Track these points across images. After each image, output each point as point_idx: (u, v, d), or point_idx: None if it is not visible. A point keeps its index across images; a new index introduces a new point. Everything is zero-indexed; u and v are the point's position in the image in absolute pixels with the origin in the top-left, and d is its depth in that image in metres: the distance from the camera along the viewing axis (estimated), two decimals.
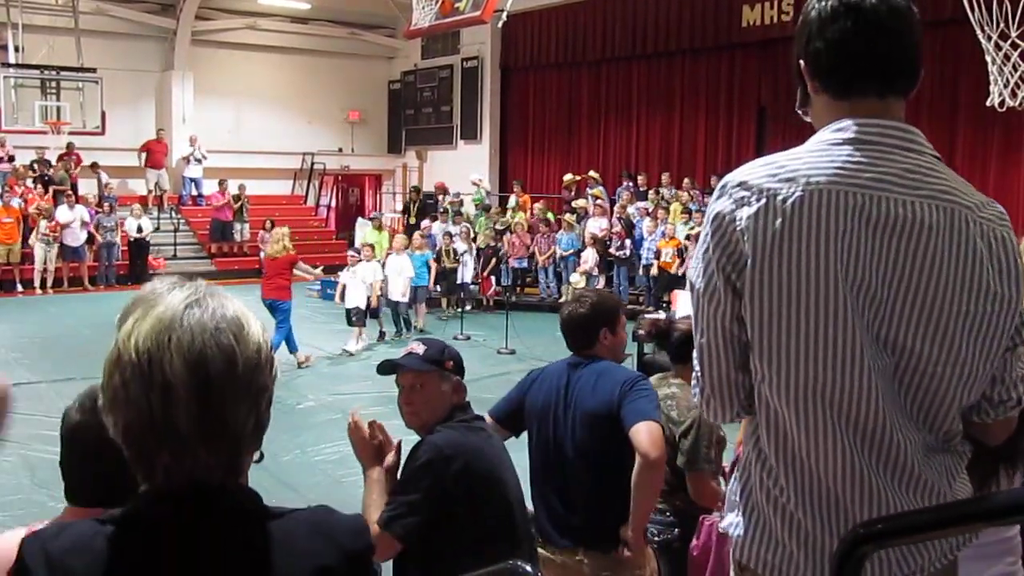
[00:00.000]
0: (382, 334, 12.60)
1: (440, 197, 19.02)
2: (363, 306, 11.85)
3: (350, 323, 11.97)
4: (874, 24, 1.59)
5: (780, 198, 1.55)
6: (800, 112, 1.77)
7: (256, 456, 1.22)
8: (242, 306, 1.19)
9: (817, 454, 1.58)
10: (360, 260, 12.16)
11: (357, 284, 11.87)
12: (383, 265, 12.69)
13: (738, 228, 1.58)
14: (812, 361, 1.55)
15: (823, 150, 1.60)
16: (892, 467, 1.58)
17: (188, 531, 1.13)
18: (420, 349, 2.87)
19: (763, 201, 1.56)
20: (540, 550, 3.26)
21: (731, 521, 1.75)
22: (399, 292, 12.62)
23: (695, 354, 1.72)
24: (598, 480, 3.18)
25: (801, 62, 1.69)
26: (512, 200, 18.51)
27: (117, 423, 1.13)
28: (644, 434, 2.99)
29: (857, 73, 1.62)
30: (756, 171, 1.61)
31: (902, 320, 1.54)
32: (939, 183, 1.57)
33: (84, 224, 17.20)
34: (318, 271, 12.47)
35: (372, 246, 12.99)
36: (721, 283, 1.61)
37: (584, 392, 3.21)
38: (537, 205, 17.89)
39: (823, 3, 1.64)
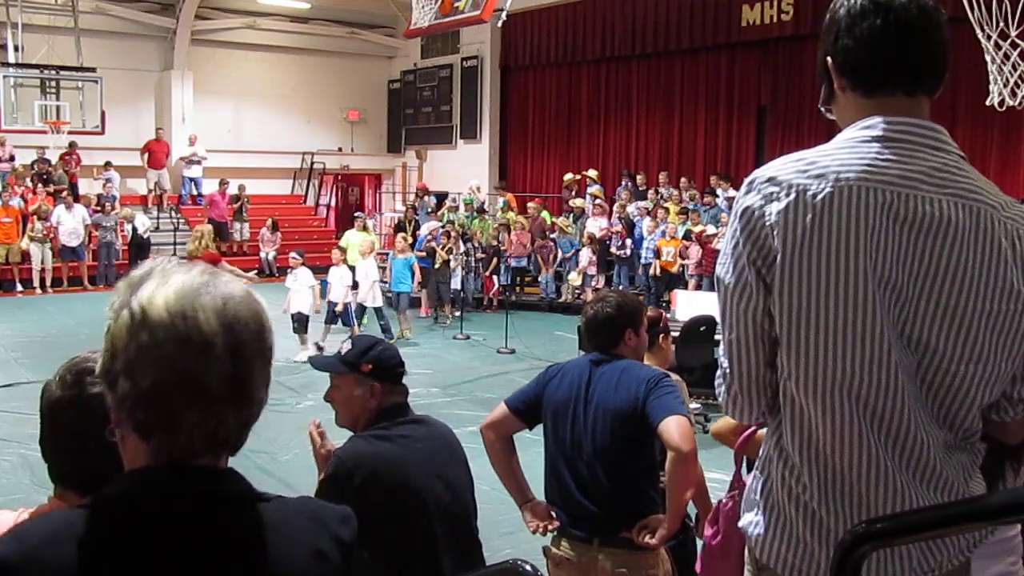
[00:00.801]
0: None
1: (426, 198, 18.93)
2: (306, 311, 11.38)
3: (294, 330, 11.51)
4: (904, 23, 1.60)
5: (810, 193, 1.56)
6: (823, 109, 1.76)
7: None
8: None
9: (842, 450, 1.59)
10: (302, 264, 11.54)
11: (299, 289, 11.40)
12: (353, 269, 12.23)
13: (767, 223, 1.58)
14: (840, 357, 1.55)
15: (852, 147, 1.60)
16: (915, 464, 1.59)
17: (180, 514, 1.11)
18: (344, 348, 2.87)
19: (792, 196, 1.56)
20: (554, 549, 3.23)
21: (750, 520, 1.75)
22: (365, 296, 12.20)
23: (722, 351, 1.71)
24: (617, 477, 3.15)
25: (828, 59, 1.69)
26: (500, 201, 18.37)
27: (139, 383, 1.09)
28: (674, 428, 2.97)
29: (886, 71, 1.62)
30: (785, 167, 1.61)
31: (926, 317, 1.55)
32: (965, 182, 1.59)
33: (85, 224, 17.18)
34: (251, 275, 11.37)
35: (344, 250, 12.57)
36: (752, 278, 1.61)
37: (607, 389, 3.17)
38: (531, 204, 17.84)
39: (852, 1, 1.64)
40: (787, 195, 1.57)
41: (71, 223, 16.94)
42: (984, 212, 1.56)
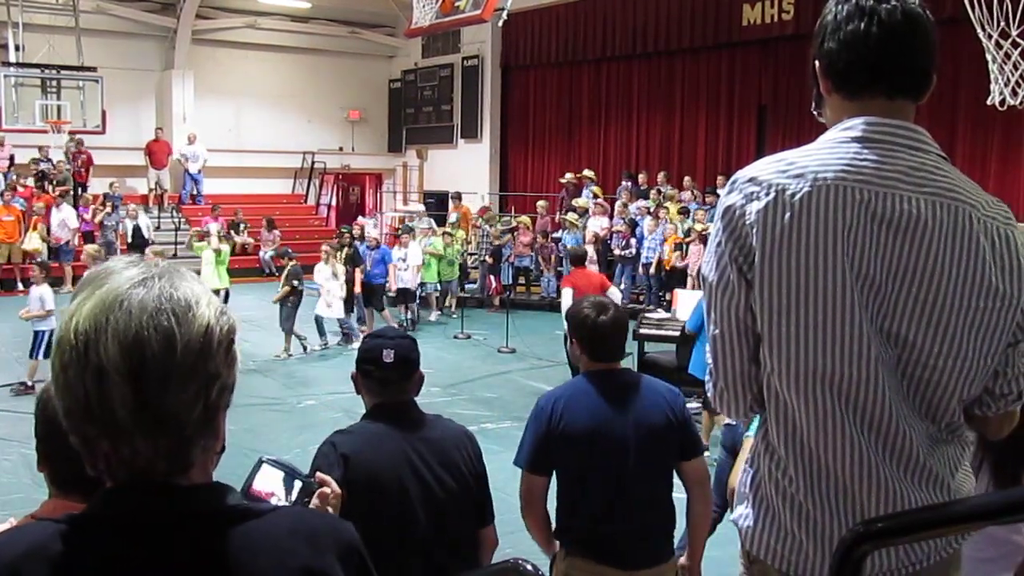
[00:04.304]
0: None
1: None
2: None
3: None
4: (887, 27, 1.62)
5: (789, 193, 1.59)
6: (816, 113, 1.80)
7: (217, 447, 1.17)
8: (197, 287, 1.11)
9: (826, 443, 1.61)
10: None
11: None
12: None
13: (748, 222, 1.62)
14: (820, 351, 1.58)
15: (831, 148, 1.64)
16: (898, 456, 1.61)
17: (147, 534, 1.08)
18: None
19: (772, 196, 1.60)
20: (571, 570, 3.15)
21: (741, 513, 1.78)
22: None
23: (708, 348, 1.74)
24: (653, 496, 3.14)
25: (816, 63, 1.73)
26: (453, 216, 17.58)
27: (60, 409, 1.08)
28: (702, 468, 3.20)
29: (867, 74, 1.65)
30: (766, 167, 1.65)
31: (904, 314, 1.58)
32: (944, 181, 1.60)
33: (71, 226, 17.01)
34: None
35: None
36: (734, 275, 1.64)
37: (642, 407, 3.11)
38: (540, 203, 17.83)
39: (840, 6, 1.68)
40: (767, 194, 1.61)
41: (55, 224, 16.87)
42: (962, 211, 1.58)
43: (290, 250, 13.51)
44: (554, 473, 3.19)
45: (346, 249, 12.78)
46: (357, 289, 12.60)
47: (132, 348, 1.03)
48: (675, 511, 3.23)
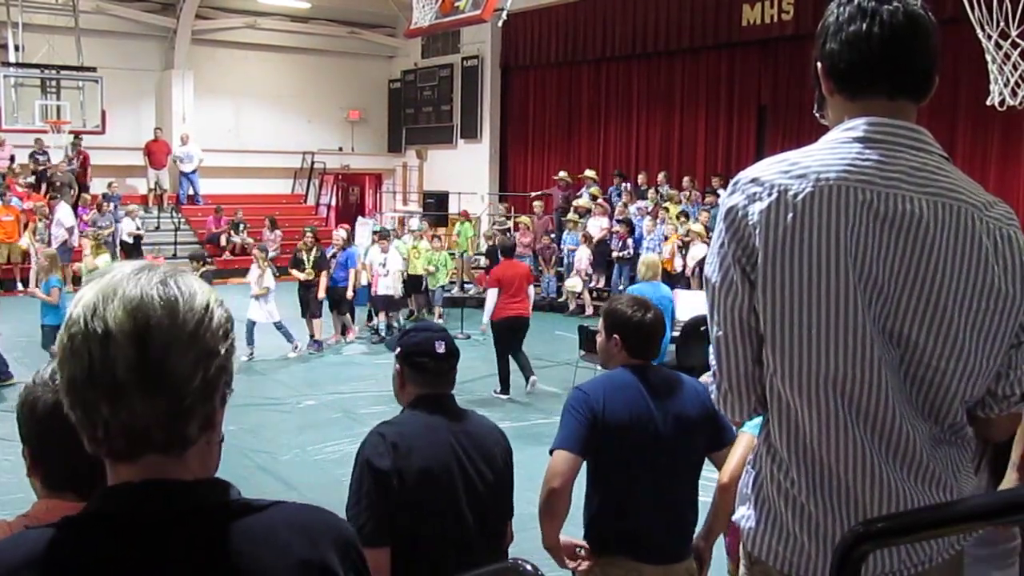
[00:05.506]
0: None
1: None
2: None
3: None
4: (888, 28, 1.63)
5: (791, 193, 1.59)
6: (818, 116, 1.80)
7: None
8: (196, 279, 1.18)
9: (828, 444, 1.61)
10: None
11: None
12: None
13: (750, 223, 1.62)
14: (823, 351, 1.58)
15: (833, 148, 1.64)
16: (901, 457, 1.61)
17: (150, 531, 1.09)
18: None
19: (774, 196, 1.60)
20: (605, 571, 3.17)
21: (743, 514, 1.78)
22: None
23: (711, 349, 1.74)
24: (688, 491, 3.19)
25: (818, 64, 1.73)
26: (415, 223, 16.87)
27: (63, 382, 1.12)
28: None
29: (869, 74, 1.65)
30: (769, 168, 1.65)
31: (907, 314, 1.57)
32: (946, 182, 1.61)
33: (67, 225, 16.91)
34: None
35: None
36: (738, 276, 1.64)
37: (679, 400, 3.15)
38: (536, 204, 17.79)
39: (841, 8, 1.68)
40: (769, 195, 1.61)
41: (54, 223, 16.84)
42: (965, 211, 1.59)
43: (204, 251, 13.91)
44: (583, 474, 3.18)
45: (314, 251, 12.48)
46: (321, 294, 12.28)
47: (137, 311, 1.09)
48: (695, 509, 3.25)
